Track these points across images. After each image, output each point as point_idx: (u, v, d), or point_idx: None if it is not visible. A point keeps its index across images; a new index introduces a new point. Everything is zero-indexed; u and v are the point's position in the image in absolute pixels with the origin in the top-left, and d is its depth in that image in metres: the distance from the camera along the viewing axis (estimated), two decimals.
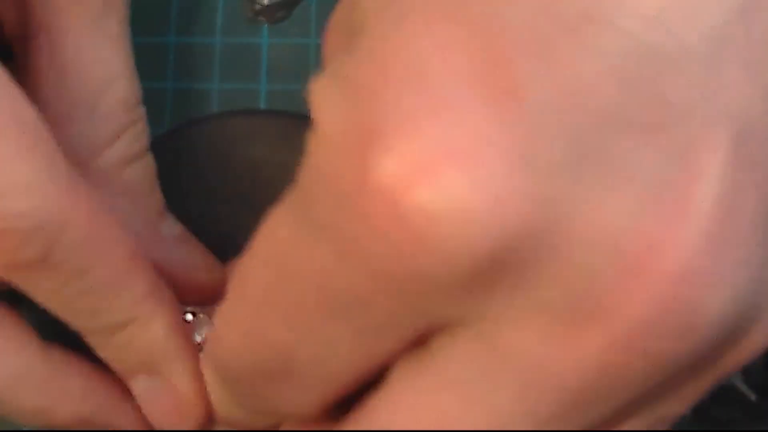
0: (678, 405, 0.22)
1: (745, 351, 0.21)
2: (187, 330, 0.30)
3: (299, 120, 0.35)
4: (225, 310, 0.24)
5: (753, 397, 0.33)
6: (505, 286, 0.19)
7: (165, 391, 0.30)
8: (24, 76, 0.30)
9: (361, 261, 0.20)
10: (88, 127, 0.30)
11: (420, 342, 0.22)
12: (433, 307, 0.20)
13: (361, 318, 0.21)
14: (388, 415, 0.22)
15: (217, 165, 0.34)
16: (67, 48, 0.30)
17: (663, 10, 0.18)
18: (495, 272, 0.19)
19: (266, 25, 0.38)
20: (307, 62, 0.37)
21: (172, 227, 0.32)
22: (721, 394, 0.34)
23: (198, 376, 0.30)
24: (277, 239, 0.22)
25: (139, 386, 0.30)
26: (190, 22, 0.38)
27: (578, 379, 0.20)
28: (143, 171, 0.31)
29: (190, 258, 0.32)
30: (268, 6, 0.38)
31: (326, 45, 0.24)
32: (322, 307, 0.21)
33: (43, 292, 0.27)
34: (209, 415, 0.30)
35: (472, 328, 0.20)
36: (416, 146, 0.18)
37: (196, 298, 0.31)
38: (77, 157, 0.30)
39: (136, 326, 0.28)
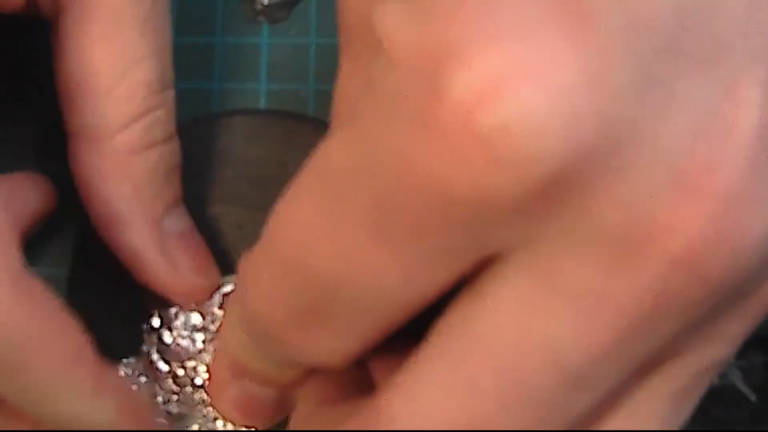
0: (724, 347, 0.23)
1: None
2: (141, 408, 0.30)
3: (299, 120, 0.35)
4: (261, 247, 0.23)
5: (753, 397, 0.33)
6: (567, 208, 0.20)
7: None
8: (55, 53, 0.30)
9: (426, 180, 0.20)
10: (105, 107, 0.30)
11: (467, 282, 0.22)
12: (490, 231, 0.20)
13: (415, 245, 0.21)
14: (440, 362, 0.22)
15: (217, 165, 0.34)
16: (91, 27, 0.30)
17: None
18: (562, 191, 0.19)
19: (266, 25, 0.38)
20: (307, 62, 0.37)
21: (176, 222, 0.32)
22: (721, 394, 0.34)
23: None
24: (332, 166, 0.22)
25: None
26: (190, 22, 0.38)
27: (637, 304, 0.20)
28: (159, 159, 0.31)
29: (183, 258, 0.31)
30: (268, 6, 0.38)
31: None
32: (376, 233, 0.21)
33: None
34: None
35: (524, 260, 0.21)
36: (493, 62, 0.19)
37: (181, 299, 0.32)
38: (91, 137, 0.30)
39: (83, 418, 0.28)
